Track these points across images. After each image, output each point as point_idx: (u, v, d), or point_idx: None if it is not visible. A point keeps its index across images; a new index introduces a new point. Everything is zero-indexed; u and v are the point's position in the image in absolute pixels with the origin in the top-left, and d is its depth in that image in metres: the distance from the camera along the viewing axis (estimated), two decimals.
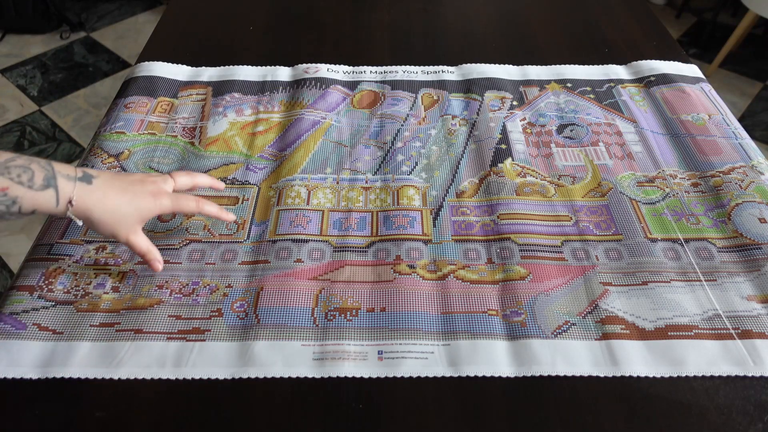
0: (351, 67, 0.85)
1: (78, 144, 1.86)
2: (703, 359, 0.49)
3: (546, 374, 0.48)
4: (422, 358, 0.50)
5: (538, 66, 0.85)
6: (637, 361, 0.49)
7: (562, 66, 0.85)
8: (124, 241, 0.53)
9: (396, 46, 0.91)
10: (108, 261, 0.57)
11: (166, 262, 0.57)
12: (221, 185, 0.63)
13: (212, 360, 0.49)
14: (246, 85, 0.81)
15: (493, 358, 0.50)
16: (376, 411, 0.47)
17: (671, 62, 0.85)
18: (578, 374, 0.49)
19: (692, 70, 0.84)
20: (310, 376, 0.48)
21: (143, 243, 0.54)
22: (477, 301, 0.54)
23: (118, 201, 0.51)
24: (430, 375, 0.49)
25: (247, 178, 0.67)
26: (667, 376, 0.48)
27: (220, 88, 0.80)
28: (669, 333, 0.51)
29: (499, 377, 0.48)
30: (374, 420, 0.46)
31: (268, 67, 0.85)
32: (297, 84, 0.81)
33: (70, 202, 0.48)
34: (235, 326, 0.52)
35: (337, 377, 0.48)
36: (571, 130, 0.74)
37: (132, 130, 0.73)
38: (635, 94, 0.80)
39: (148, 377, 0.48)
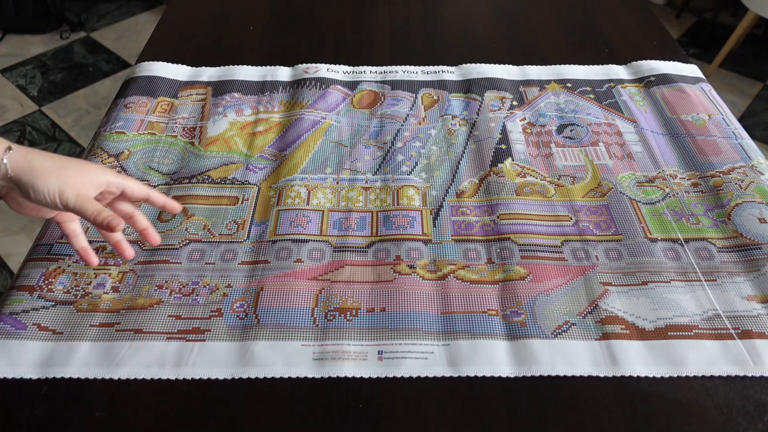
0: (351, 67, 0.85)
1: (78, 144, 1.86)
2: (703, 359, 0.49)
3: (546, 374, 0.48)
4: (422, 358, 0.50)
5: (538, 66, 0.85)
6: (637, 361, 0.49)
7: (562, 66, 0.85)
8: (72, 200, 0.47)
9: (396, 46, 0.91)
10: (108, 261, 0.57)
11: (165, 262, 0.57)
12: (177, 206, 0.57)
13: (212, 360, 0.49)
14: (246, 85, 0.81)
15: (493, 358, 0.50)
16: (376, 411, 0.47)
17: (671, 62, 0.85)
18: (578, 374, 0.49)
19: (692, 70, 0.84)
20: (310, 376, 0.48)
21: (93, 205, 0.48)
22: (477, 301, 0.54)
23: (61, 158, 0.48)
24: (430, 375, 0.49)
25: (247, 178, 0.67)
26: (667, 376, 0.48)
27: (220, 88, 0.80)
28: (669, 333, 0.51)
29: (499, 377, 0.48)
30: (374, 420, 0.46)
31: (268, 67, 0.85)
32: (297, 84, 0.81)
33: (9, 148, 0.45)
34: (235, 326, 0.52)
35: (337, 377, 0.48)
36: (571, 130, 0.74)
37: (132, 130, 0.73)
38: (635, 94, 0.80)
39: (148, 377, 0.48)
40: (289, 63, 0.86)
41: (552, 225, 0.62)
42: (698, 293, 0.55)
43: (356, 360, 0.49)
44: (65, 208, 0.48)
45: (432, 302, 0.54)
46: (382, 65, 0.85)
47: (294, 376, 0.48)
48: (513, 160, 0.69)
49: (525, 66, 0.85)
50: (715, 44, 2.17)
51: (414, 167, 0.69)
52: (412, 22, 0.97)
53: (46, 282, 0.55)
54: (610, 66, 0.85)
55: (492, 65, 0.85)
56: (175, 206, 0.57)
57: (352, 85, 0.82)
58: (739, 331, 0.51)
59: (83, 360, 0.49)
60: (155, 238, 0.55)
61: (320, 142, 0.72)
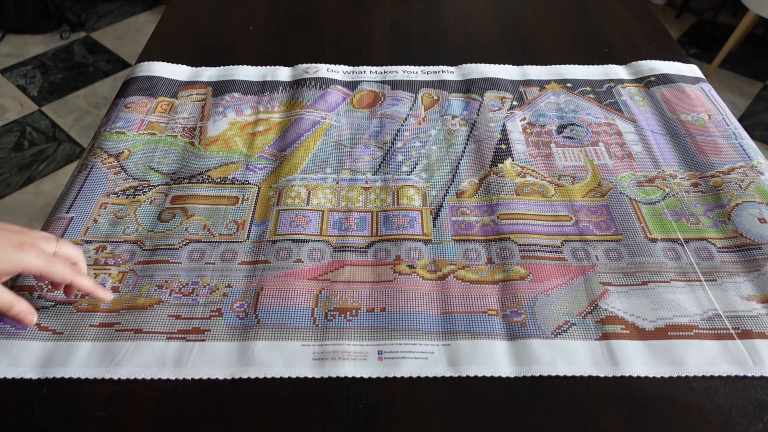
0: (351, 67, 0.85)
1: (78, 144, 1.86)
2: (703, 359, 0.49)
3: (546, 374, 0.48)
4: (422, 358, 0.50)
5: (538, 66, 0.85)
6: (637, 361, 0.49)
7: (562, 66, 0.85)
8: None
9: (396, 46, 0.91)
10: (108, 261, 0.57)
11: (165, 262, 0.57)
12: (108, 296, 0.53)
13: (212, 360, 0.49)
14: (246, 85, 0.81)
15: (493, 358, 0.50)
16: (376, 411, 0.47)
17: (671, 62, 0.85)
18: (578, 374, 0.49)
19: (692, 70, 0.84)
20: (310, 376, 0.48)
21: (3, 296, 0.47)
22: (477, 301, 0.54)
23: None
24: (430, 375, 0.49)
25: (247, 178, 0.67)
26: (667, 376, 0.48)
27: (220, 88, 0.80)
28: (669, 333, 0.51)
29: (499, 377, 0.48)
30: (374, 420, 0.46)
31: (268, 67, 0.85)
32: (297, 84, 0.81)
33: None
34: (235, 326, 0.52)
35: (337, 377, 0.48)
36: (571, 130, 0.74)
37: (132, 130, 0.73)
38: (635, 94, 0.80)
39: (148, 377, 0.48)
40: (289, 63, 0.86)
41: (552, 225, 0.62)
42: (698, 293, 0.55)
43: (356, 360, 0.49)
44: None
45: (432, 302, 0.54)
46: (382, 65, 0.85)
47: (294, 376, 0.48)
48: (513, 160, 0.69)
49: (525, 66, 0.85)
50: (715, 44, 2.17)
51: (414, 167, 0.69)
52: (412, 22, 0.97)
53: (46, 282, 0.55)
54: (610, 66, 0.85)
55: (492, 65, 0.85)
56: (106, 295, 0.53)
57: (352, 85, 0.82)
58: (739, 331, 0.51)
59: (83, 360, 0.49)
60: (106, 295, 0.53)
61: (320, 142, 0.72)
